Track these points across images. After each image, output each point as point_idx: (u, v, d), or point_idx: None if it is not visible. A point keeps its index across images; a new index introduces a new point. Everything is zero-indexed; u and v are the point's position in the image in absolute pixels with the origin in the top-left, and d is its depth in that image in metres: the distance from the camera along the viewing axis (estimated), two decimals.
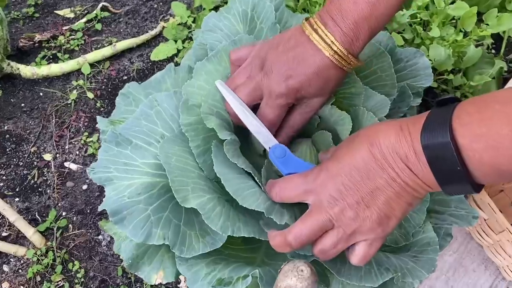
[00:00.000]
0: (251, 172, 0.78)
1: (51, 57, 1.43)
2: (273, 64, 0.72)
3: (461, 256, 1.21)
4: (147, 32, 1.46)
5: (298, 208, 0.80)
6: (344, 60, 0.67)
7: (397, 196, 0.56)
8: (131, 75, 1.40)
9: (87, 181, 1.24)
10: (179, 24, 1.43)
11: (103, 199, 1.18)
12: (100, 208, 0.78)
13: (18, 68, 1.34)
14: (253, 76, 0.76)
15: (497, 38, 1.24)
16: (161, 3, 1.53)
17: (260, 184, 0.77)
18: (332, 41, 0.65)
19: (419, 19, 1.15)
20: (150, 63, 1.41)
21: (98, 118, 0.96)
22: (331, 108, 0.84)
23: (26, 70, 1.35)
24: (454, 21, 1.11)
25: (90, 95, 1.34)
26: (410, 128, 0.54)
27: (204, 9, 1.41)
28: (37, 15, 1.54)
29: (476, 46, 1.13)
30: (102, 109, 1.35)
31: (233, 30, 1.03)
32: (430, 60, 1.04)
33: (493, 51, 1.26)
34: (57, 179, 1.24)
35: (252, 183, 0.80)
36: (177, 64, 1.39)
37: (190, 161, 0.86)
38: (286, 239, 0.64)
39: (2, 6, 1.28)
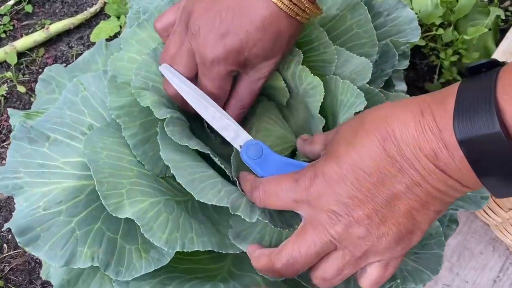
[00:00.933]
0: (210, 154, 0.60)
1: None
2: (200, 20, 0.54)
3: (465, 238, 1.06)
4: (87, 10, 1.26)
5: None
6: (297, 6, 0.52)
7: (422, 205, 0.42)
8: (71, 61, 1.20)
9: None
10: None
11: None
12: (5, 227, 0.60)
13: None
14: (183, 40, 0.58)
15: None
16: None
17: (228, 174, 0.61)
18: None
19: None
20: (92, 46, 1.21)
21: (10, 110, 0.77)
22: (301, 70, 0.66)
23: None
24: None
25: (22, 89, 1.14)
26: (435, 112, 0.40)
27: None
28: None
29: None
30: None
31: None
32: (414, 12, 0.86)
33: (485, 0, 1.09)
34: None
35: (212, 172, 0.63)
36: None
37: (127, 156, 0.67)
38: (274, 265, 0.48)
39: None
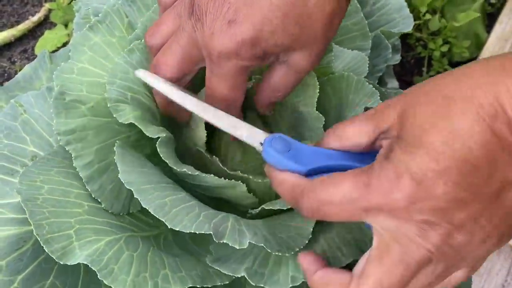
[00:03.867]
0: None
1: None
2: (207, 2, 0.43)
3: (492, 260, 0.98)
4: (29, 19, 1.11)
5: (270, 224, 0.52)
6: None
7: None
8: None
9: None
10: (69, 3, 1.09)
11: None
12: None
13: None
14: (184, 23, 0.47)
15: None
16: None
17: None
18: None
19: None
20: None
21: None
22: None
23: None
24: None
25: None
26: None
27: None
28: None
29: None
30: None
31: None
32: None
33: None
34: None
35: (184, 194, 0.51)
36: None
37: (75, 189, 0.54)
38: None
39: None
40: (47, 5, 1.12)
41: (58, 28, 1.05)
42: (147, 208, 0.47)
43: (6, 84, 0.70)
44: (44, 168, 0.55)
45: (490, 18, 0.98)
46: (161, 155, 0.49)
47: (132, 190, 0.48)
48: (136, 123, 0.50)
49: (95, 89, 0.56)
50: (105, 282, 0.45)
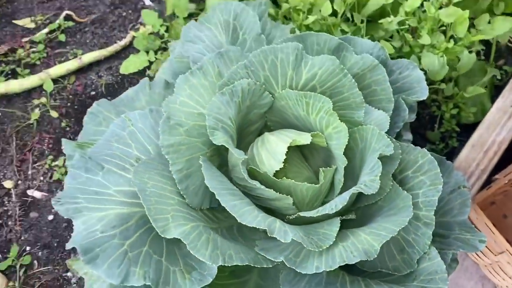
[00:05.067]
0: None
1: (9, 72, 1.30)
2: None
3: (457, 275, 1.15)
4: (116, 42, 1.35)
5: (302, 228, 0.72)
6: None
7: None
8: (100, 90, 1.29)
9: (53, 210, 1.12)
10: (150, 33, 1.33)
11: (72, 230, 1.06)
12: (68, 246, 0.68)
13: None
14: None
15: (485, 43, 1.20)
16: (130, 11, 1.43)
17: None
18: None
19: (407, 26, 1.09)
20: (120, 77, 1.31)
21: (64, 141, 0.85)
22: (330, 115, 0.77)
23: None
24: (444, 27, 1.06)
25: (54, 114, 1.22)
26: None
27: (177, 17, 1.32)
28: None
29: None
30: (68, 129, 1.23)
31: (215, 41, 0.95)
32: (422, 70, 0.98)
33: (481, 57, 1.22)
34: (19, 209, 1.11)
35: (247, 200, 0.73)
36: (150, 78, 1.29)
37: (169, 187, 0.77)
38: None
39: None
40: (132, 33, 1.36)
41: (140, 54, 1.29)
42: (225, 207, 0.68)
43: (113, 101, 0.93)
44: (147, 169, 0.77)
45: (497, 89, 1.18)
46: (242, 171, 0.70)
47: (215, 193, 0.70)
48: (226, 145, 0.72)
49: (190, 117, 0.79)
50: (191, 252, 0.66)
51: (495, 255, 1.01)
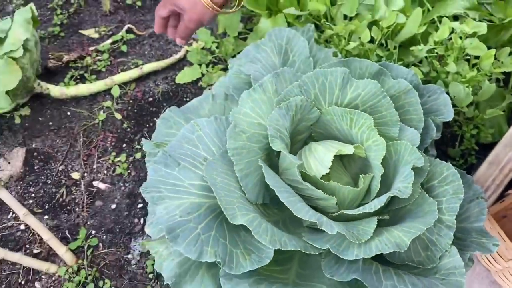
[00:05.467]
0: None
1: (78, 77, 1.48)
2: None
3: (470, 279, 1.26)
4: (171, 55, 1.52)
5: (344, 224, 0.86)
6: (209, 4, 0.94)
7: None
8: (156, 97, 1.45)
9: (115, 200, 1.27)
10: (202, 48, 1.49)
11: (132, 218, 1.22)
12: (152, 226, 0.83)
13: (48, 88, 1.38)
14: None
15: (504, 72, 1.33)
16: None
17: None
18: None
19: (435, 54, 1.23)
20: (175, 86, 1.47)
21: (144, 140, 1.01)
22: (370, 130, 0.91)
23: (55, 90, 1.39)
24: (468, 56, 1.19)
25: (118, 116, 1.38)
26: None
27: (228, 35, 1.47)
28: (62, 34, 1.58)
29: (488, 80, 1.21)
30: (128, 129, 1.39)
31: (269, 61, 1.11)
32: (448, 94, 1.12)
33: (501, 83, 1.35)
34: (86, 198, 1.27)
35: (299, 197, 0.88)
36: (201, 88, 1.45)
37: (233, 183, 0.92)
38: None
39: (34, 27, 1.32)
40: (186, 47, 1.52)
41: (194, 67, 1.45)
42: (282, 201, 0.83)
43: (181, 108, 1.09)
44: (214, 167, 0.92)
45: None
46: (296, 173, 0.85)
47: (275, 190, 0.84)
48: (283, 151, 0.87)
49: (251, 126, 0.94)
50: (256, 237, 0.81)
51: (506, 261, 1.13)
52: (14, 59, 1.20)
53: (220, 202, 0.84)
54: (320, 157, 0.93)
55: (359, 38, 1.22)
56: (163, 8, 0.99)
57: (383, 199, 0.85)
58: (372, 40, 1.24)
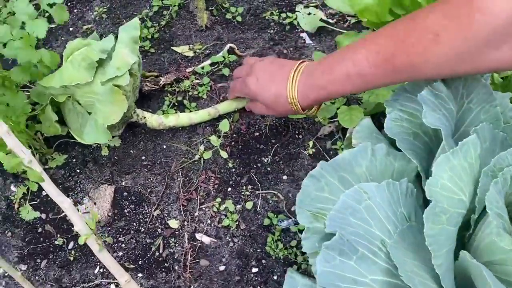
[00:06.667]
0: None
1: (176, 104, 1.27)
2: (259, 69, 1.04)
3: None
4: None
5: None
6: (294, 103, 0.96)
7: None
8: (263, 131, 1.23)
9: (223, 260, 1.06)
10: None
11: (243, 285, 1.00)
12: None
13: (145, 117, 1.17)
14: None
15: None
16: (291, 48, 1.37)
17: None
18: (293, 84, 0.95)
19: None
20: (284, 120, 1.24)
21: (297, 208, 0.79)
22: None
23: (153, 120, 1.17)
24: None
25: (224, 154, 1.16)
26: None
27: None
28: (152, 50, 1.38)
29: None
30: (233, 170, 1.17)
31: (447, 108, 0.87)
32: None
33: None
34: (189, 255, 1.06)
35: None
36: (315, 123, 1.22)
37: (429, 283, 0.69)
38: None
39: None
40: None
41: None
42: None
43: (330, 163, 0.85)
44: (399, 254, 0.70)
45: None
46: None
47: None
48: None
49: (450, 203, 0.71)
50: None
51: None
52: (119, 87, 0.99)
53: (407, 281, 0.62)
54: None
55: None
56: (238, 92, 1.14)
57: None
58: None
